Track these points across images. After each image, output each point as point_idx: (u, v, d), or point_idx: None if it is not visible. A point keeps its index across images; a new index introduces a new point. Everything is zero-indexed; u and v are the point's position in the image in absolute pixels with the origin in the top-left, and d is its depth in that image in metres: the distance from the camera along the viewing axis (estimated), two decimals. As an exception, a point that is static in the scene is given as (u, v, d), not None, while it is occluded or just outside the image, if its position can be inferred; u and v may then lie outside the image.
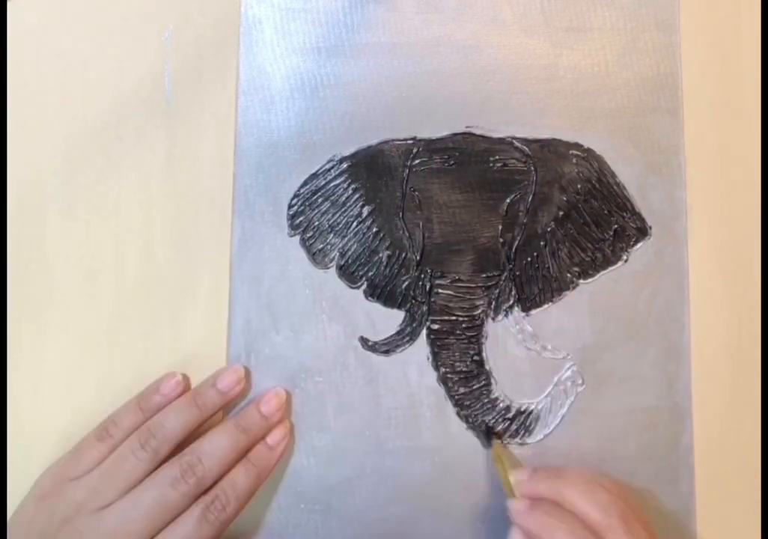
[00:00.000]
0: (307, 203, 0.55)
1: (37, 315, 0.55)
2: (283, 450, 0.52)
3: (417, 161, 0.55)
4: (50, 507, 0.49)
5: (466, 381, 0.54)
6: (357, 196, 0.55)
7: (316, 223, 0.55)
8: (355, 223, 0.56)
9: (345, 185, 0.56)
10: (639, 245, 0.55)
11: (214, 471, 0.49)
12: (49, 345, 0.55)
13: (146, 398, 0.52)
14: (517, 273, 0.55)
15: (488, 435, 0.54)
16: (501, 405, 0.54)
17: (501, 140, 0.55)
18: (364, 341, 0.55)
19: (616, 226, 0.55)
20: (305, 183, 0.56)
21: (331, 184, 0.56)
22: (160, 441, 0.50)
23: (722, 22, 0.58)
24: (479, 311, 0.55)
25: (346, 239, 0.55)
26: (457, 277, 0.55)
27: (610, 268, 0.55)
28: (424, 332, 0.55)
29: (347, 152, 0.56)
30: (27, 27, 0.57)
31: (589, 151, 0.56)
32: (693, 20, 0.57)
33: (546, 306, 0.55)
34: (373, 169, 0.55)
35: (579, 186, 0.56)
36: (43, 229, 0.56)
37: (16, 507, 0.50)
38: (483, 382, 0.54)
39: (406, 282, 0.55)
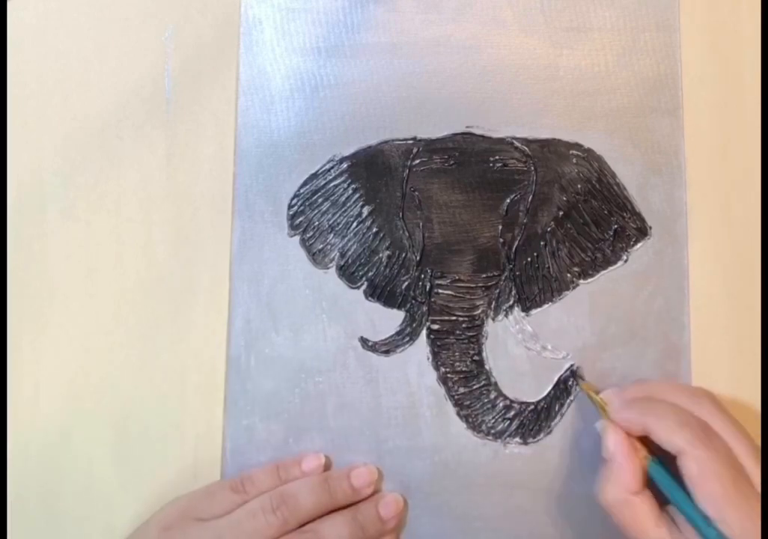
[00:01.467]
0: (307, 203, 0.56)
1: (37, 315, 0.55)
2: (395, 526, 0.53)
3: (417, 161, 0.55)
4: None
5: (466, 381, 0.54)
6: (357, 196, 0.56)
7: (316, 223, 0.56)
8: (355, 223, 0.56)
9: (345, 185, 0.56)
10: (639, 245, 0.55)
11: (301, 517, 0.50)
12: (49, 345, 0.55)
13: (286, 468, 0.53)
14: (517, 273, 0.55)
15: (574, 378, 0.54)
16: (501, 405, 0.54)
17: (501, 140, 0.56)
18: (364, 341, 0.55)
19: (616, 226, 0.55)
20: (305, 183, 0.56)
21: (331, 184, 0.56)
22: (291, 511, 0.50)
23: (722, 22, 0.58)
24: (479, 311, 0.55)
25: (346, 239, 0.56)
26: (457, 277, 0.55)
27: (610, 268, 0.55)
28: (424, 332, 0.55)
29: (347, 152, 0.56)
30: (27, 27, 0.57)
31: (589, 151, 0.56)
32: (693, 20, 0.57)
33: (546, 306, 0.55)
34: (373, 169, 0.56)
35: (579, 186, 0.56)
36: (43, 228, 0.56)
37: (137, 528, 0.52)
38: (483, 382, 0.54)
39: (406, 283, 0.55)
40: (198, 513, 0.51)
